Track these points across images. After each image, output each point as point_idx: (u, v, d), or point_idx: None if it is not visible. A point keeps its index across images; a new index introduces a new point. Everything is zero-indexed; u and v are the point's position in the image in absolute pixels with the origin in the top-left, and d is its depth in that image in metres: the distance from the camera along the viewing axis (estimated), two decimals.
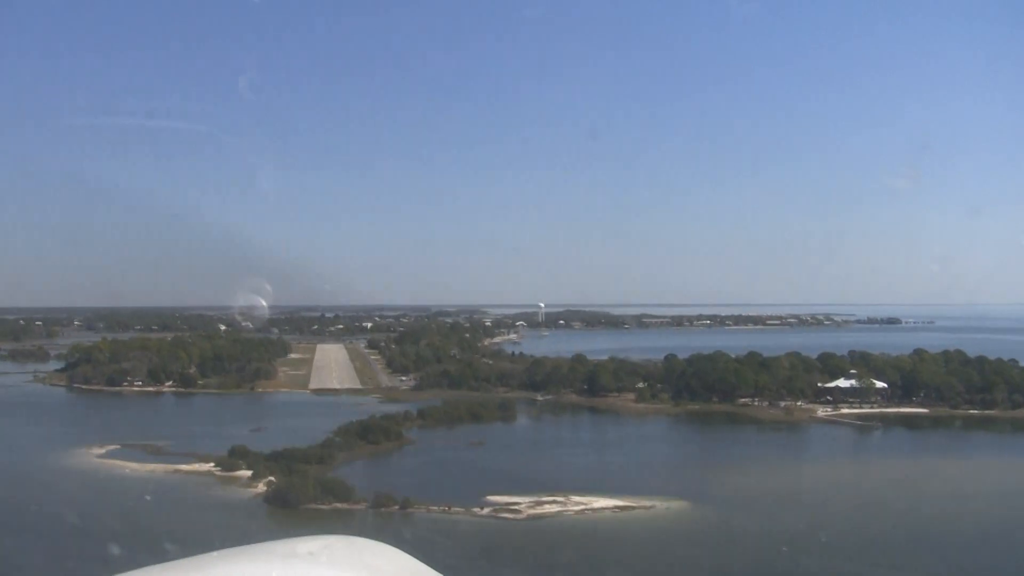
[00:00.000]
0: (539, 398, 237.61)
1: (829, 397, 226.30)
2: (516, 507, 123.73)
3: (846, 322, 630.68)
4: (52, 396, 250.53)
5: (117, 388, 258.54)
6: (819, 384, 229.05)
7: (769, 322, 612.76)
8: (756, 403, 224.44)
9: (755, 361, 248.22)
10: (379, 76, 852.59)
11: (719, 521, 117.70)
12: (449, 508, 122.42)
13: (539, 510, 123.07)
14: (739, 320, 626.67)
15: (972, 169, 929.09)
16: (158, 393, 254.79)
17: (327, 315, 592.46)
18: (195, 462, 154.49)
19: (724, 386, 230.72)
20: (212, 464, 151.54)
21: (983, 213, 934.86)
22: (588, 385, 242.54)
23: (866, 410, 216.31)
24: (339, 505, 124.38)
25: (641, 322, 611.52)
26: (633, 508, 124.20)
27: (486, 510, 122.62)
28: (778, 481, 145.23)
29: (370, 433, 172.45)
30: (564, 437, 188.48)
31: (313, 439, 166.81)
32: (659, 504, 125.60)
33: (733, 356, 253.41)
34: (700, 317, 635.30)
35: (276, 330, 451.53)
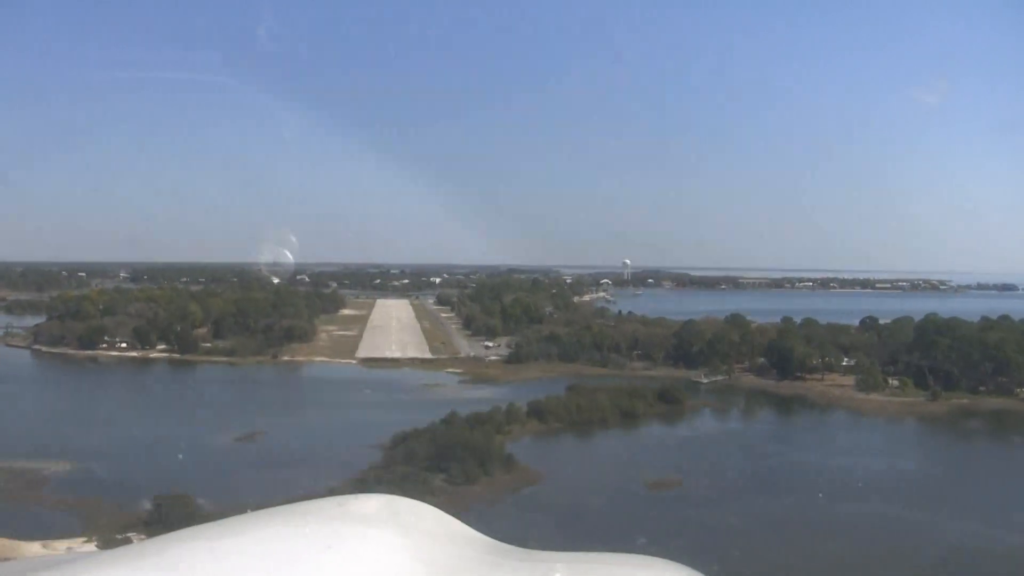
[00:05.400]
0: (703, 380, 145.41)
1: None
2: None
3: (962, 288, 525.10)
4: None
5: (92, 352, 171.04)
6: None
7: (879, 286, 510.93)
8: None
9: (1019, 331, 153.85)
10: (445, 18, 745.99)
11: None
12: None
13: None
14: (844, 283, 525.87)
15: None
16: (144, 360, 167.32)
17: (392, 271, 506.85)
18: (65, 535, 64.79)
19: (986, 369, 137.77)
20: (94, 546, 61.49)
21: None
22: (775, 361, 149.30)
23: None
24: None
25: (737, 283, 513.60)
26: None
27: None
28: None
29: (451, 458, 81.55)
30: (842, 470, 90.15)
31: (341, 469, 77.43)
32: None
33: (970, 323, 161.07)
34: (801, 279, 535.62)
35: (334, 284, 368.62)
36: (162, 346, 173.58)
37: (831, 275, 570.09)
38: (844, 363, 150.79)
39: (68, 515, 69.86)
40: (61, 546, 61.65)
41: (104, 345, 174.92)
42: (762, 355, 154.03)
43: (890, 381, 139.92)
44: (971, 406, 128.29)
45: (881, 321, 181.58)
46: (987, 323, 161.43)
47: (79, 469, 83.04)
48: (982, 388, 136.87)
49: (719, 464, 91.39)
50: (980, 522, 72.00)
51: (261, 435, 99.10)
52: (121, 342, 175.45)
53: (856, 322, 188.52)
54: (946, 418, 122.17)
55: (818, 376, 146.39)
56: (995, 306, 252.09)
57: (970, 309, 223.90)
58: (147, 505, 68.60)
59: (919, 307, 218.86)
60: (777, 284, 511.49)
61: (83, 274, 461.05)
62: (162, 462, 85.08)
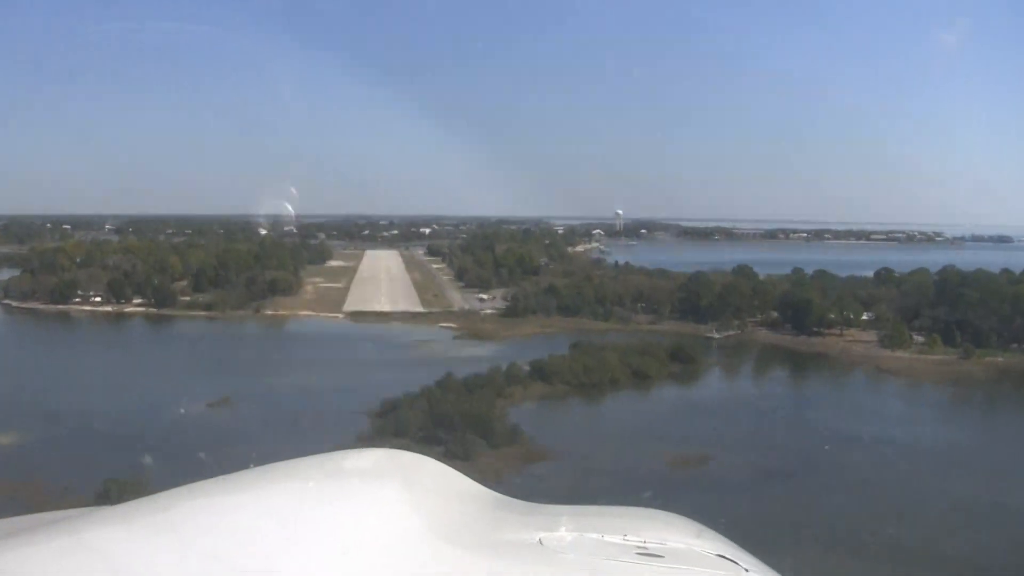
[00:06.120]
0: (715, 335, 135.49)
1: None
2: None
3: (957, 240, 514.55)
4: None
5: (64, 306, 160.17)
6: None
7: (873, 237, 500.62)
8: None
9: None
10: None
11: None
12: None
13: None
14: (838, 235, 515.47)
15: None
16: (118, 314, 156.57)
17: (381, 222, 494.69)
18: None
19: (1019, 325, 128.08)
20: None
21: None
22: (791, 315, 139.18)
23: None
24: None
25: (731, 234, 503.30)
26: None
27: None
28: None
29: (448, 428, 71.42)
30: (900, 445, 79.72)
31: (324, 442, 66.45)
32: None
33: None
34: (795, 231, 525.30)
35: (322, 235, 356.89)
36: (138, 300, 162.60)
37: (824, 227, 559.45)
38: (864, 318, 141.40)
39: (4, 499, 59.40)
40: None
41: (77, 299, 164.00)
42: (774, 309, 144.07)
43: (914, 337, 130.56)
44: (1007, 364, 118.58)
45: (896, 274, 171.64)
46: (1012, 276, 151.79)
47: (25, 442, 72.74)
48: (1014, 345, 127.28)
49: (748, 436, 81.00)
50: None
51: (235, 402, 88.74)
52: (95, 296, 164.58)
53: (862, 274, 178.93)
54: (987, 379, 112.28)
55: (836, 331, 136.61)
56: (998, 258, 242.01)
57: (976, 261, 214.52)
58: (96, 489, 58.21)
59: (923, 259, 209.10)
60: (771, 235, 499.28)
61: (67, 227, 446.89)
62: (123, 433, 74.69)
